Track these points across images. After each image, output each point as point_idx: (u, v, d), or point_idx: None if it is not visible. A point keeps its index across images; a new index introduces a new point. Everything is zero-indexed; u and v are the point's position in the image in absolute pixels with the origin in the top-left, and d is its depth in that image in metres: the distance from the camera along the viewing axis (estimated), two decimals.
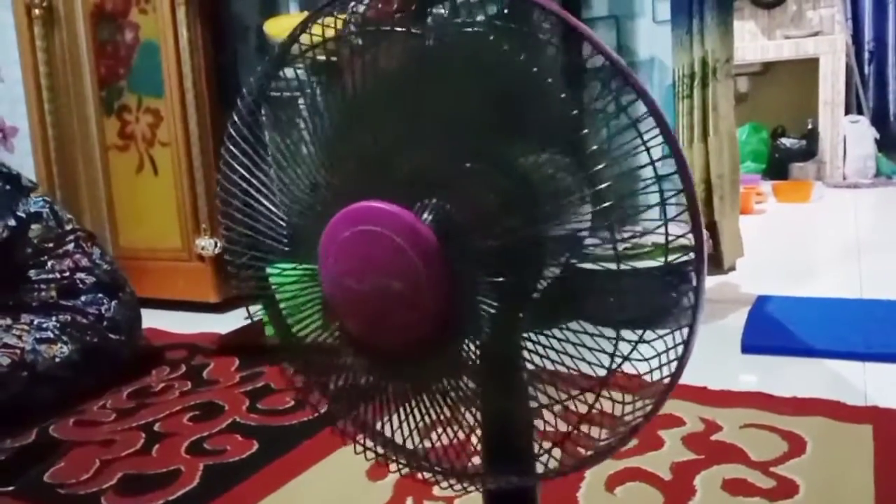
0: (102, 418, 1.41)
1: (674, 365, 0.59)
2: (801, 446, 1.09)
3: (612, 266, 0.57)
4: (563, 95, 0.54)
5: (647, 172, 0.53)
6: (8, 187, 1.63)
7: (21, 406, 1.41)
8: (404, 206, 0.56)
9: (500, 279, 0.58)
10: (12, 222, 1.59)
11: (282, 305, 0.70)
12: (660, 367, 0.61)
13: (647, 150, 0.53)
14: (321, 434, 1.21)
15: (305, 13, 2.18)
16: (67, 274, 1.61)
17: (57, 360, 1.48)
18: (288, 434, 1.25)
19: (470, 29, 0.57)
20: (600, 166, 0.54)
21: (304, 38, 0.67)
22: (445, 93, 0.58)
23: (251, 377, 1.56)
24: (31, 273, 1.59)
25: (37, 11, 2.17)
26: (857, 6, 4.40)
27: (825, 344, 1.52)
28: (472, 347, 0.62)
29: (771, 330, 1.65)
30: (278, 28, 2.10)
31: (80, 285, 1.61)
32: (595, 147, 0.55)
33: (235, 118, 0.69)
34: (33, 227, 1.63)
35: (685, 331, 0.57)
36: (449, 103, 0.58)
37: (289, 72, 0.67)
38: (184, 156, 2.07)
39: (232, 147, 0.70)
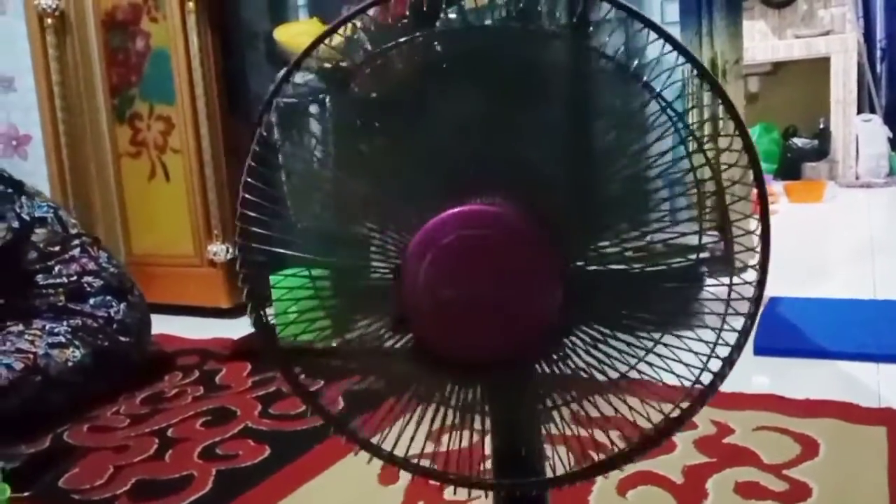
0: (116, 424, 1.42)
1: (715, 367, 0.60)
2: (814, 449, 1.09)
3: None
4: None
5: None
6: (10, 190, 1.65)
7: (34, 411, 1.42)
8: (510, 207, 0.55)
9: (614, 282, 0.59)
10: (16, 224, 1.60)
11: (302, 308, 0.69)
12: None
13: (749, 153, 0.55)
14: (332, 439, 1.21)
15: (315, 20, 2.20)
16: (75, 278, 1.62)
17: (70, 364, 1.49)
18: (300, 439, 1.25)
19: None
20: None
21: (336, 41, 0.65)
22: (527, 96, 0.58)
23: (263, 382, 1.56)
24: (39, 278, 1.60)
25: (49, 20, 2.19)
26: (869, 4, 4.37)
27: (838, 345, 1.51)
28: (576, 353, 0.61)
29: (783, 331, 1.64)
30: (288, 35, 2.11)
31: (88, 289, 1.62)
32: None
33: (267, 120, 0.68)
34: (38, 231, 1.64)
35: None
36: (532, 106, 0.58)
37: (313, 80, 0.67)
38: (195, 162, 2.09)
39: (263, 153, 0.69)
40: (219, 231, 2.10)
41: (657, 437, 0.61)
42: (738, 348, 0.60)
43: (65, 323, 1.54)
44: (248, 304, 0.65)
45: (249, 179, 0.58)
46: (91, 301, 1.61)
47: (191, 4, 2.00)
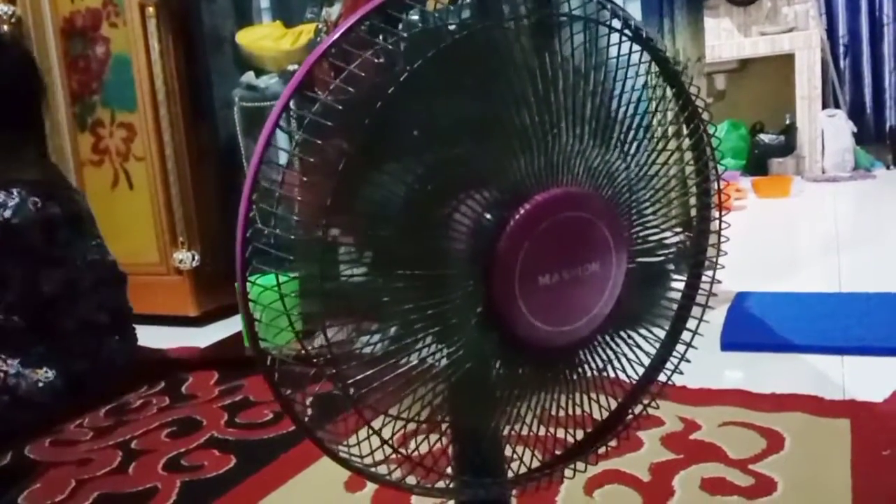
0: (79, 437, 1.39)
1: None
2: (780, 443, 1.09)
3: None
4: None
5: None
6: (73, 231, 1.59)
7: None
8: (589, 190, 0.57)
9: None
10: (73, 273, 1.58)
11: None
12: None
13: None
14: (299, 446, 1.20)
15: (278, 23, 2.18)
16: (91, 318, 1.60)
17: (40, 384, 1.46)
18: (266, 447, 1.24)
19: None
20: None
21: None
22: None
23: (230, 391, 1.54)
24: (62, 309, 1.57)
25: (5, 27, 2.15)
26: (831, 1, 4.43)
27: (804, 339, 1.53)
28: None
29: (750, 326, 1.65)
30: (250, 38, 2.09)
31: (96, 322, 1.60)
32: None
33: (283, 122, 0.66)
34: (88, 276, 1.61)
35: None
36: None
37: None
38: (159, 169, 2.06)
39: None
40: (184, 238, 2.07)
41: (607, 430, 0.61)
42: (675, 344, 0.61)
43: (44, 345, 1.51)
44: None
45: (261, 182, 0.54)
46: (89, 332, 1.59)
47: (151, 9, 1.98)
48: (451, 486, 0.68)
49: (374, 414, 0.63)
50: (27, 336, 1.51)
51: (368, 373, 0.58)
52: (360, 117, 0.52)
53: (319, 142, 0.53)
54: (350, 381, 0.64)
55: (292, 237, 0.55)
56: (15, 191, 1.48)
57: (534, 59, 0.57)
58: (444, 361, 0.58)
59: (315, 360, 0.62)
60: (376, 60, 0.53)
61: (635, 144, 0.62)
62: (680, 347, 0.70)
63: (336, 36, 0.54)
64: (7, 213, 1.46)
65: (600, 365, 0.64)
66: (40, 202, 1.50)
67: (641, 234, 0.64)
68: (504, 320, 0.56)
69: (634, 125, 0.62)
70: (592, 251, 0.58)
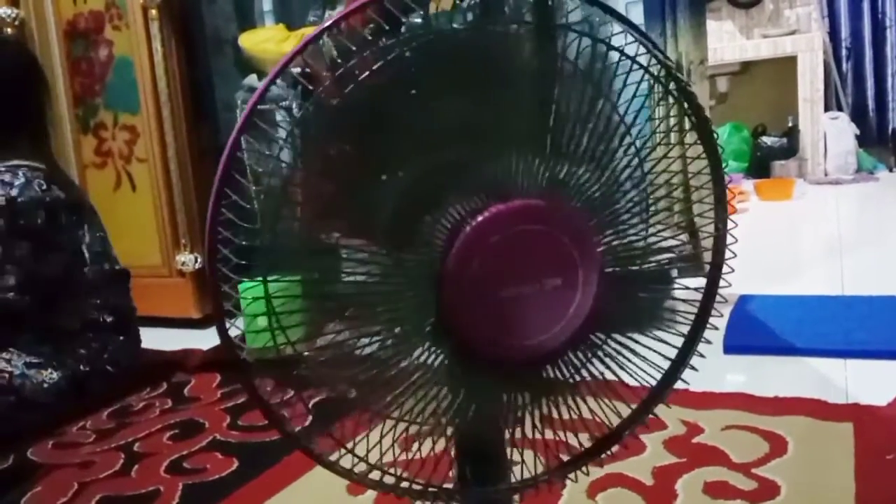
0: (81, 440, 1.39)
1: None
2: (783, 446, 1.09)
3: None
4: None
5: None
6: (74, 217, 1.60)
7: (4, 431, 1.39)
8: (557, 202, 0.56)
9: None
10: (73, 255, 1.59)
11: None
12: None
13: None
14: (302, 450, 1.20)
15: (281, 26, 2.18)
16: (95, 313, 1.60)
17: (45, 385, 1.46)
18: (268, 450, 1.24)
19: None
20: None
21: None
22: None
23: (232, 393, 1.54)
24: (68, 306, 1.58)
25: (8, 30, 2.15)
26: (833, 4, 4.43)
27: (807, 342, 1.52)
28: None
29: (753, 330, 1.65)
30: (253, 41, 2.09)
31: (100, 321, 1.61)
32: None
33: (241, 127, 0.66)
34: (92, 267, 1.62)
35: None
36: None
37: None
38: (161, 171, 2.06)
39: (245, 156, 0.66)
40: (187, 240, 2.07)
41: (615, 436, 0.61)
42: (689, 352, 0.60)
43: (49, 345, 1.51)
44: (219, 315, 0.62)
45: (226, 189, 0.55)
46: (94, 332, 1.59)
47: (154, 12, 1.98)
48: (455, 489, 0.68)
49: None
50: (33, 332, 1.52)
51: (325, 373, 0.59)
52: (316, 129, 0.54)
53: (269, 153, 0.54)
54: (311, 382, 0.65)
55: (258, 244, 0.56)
56: (21, 172, 1.50)
57: (496, 70, 0.57)
58: (402, 365, 0.59)
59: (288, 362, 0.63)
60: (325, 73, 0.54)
61: (611, 155, 0.60)
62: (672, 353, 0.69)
63: (298, 48, 0.55)
64: (14, 192, 1.47)
65: (579, 375, 0.63)
66: (45, 185, 1.52)
67: (623, 242, 0.62)
68: (457, 331, 0.56)
69: (615, 135, 0.61)
70: (553, 265, 0.56)
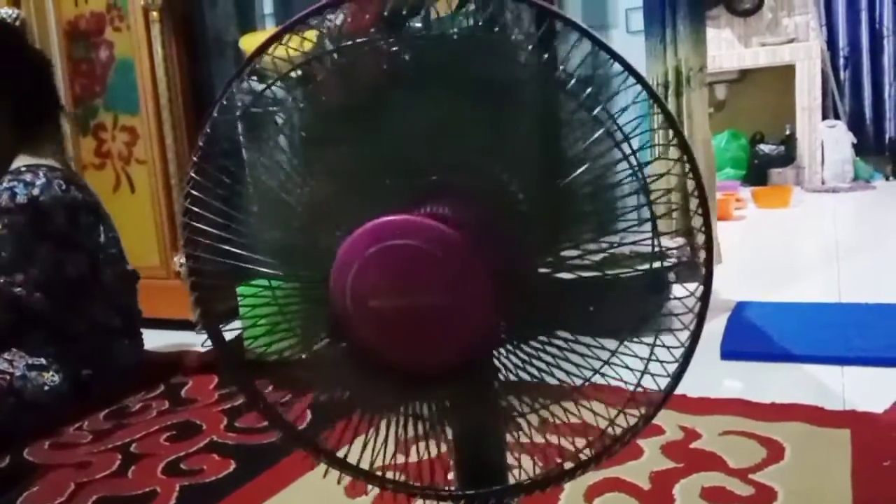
0: (78, 440, 1.39)
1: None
2: (780, 452, 1.09)
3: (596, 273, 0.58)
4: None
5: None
6: (91, 219, 1.60)
7: (3, 432, 1.39)
8: (430, 215, 0.55)
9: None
10: (91, 259, 1.59)
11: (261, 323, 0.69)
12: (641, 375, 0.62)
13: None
14: (299, 452, 1.19)
15: None
16: (104, 319, 1.60)
17: (46, 387, 1.46)
18: (266, 452, 1.24)
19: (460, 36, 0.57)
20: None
21: (280, 52, 0.66)
22: (442, 103, 0.57)
23: (230, 395, 1.54)
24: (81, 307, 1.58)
25: None
26: (831, 13, 4.45)
27: (804, 349, 1.53)
28: (511, 356, 0.62)
29: (750, 336, 1.66)
30: (254, 44, 2.09)
31: (109, 324, 1.61)
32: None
33: (208, 132, 0.68)
34: (106, 271, 1.62)
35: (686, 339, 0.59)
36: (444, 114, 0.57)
37: (274, 88, 0.67)
38: (161, 173, 2.06)
39: (204, 164, 0.69)
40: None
41: (615, 442, 0.61)
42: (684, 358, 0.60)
43: (55, 346, 1.51)
44: (202, 317, 0.64)
45: (194, 191, 0.57)
46: (101, 334, 1.59)
47: (154, 14, 1.98)
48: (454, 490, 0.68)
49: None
50: (43, 331, 1.52)
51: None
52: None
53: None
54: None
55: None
56: (41, 171, 1.51)
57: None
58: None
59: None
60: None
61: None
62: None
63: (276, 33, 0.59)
64: (35, 192, 1.47)
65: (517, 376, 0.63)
66: (64, 185, 1.52)
67: (575, 251, 0.61)
68: (351, 340, 0.59)
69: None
70: (438, 280, 0.55)
